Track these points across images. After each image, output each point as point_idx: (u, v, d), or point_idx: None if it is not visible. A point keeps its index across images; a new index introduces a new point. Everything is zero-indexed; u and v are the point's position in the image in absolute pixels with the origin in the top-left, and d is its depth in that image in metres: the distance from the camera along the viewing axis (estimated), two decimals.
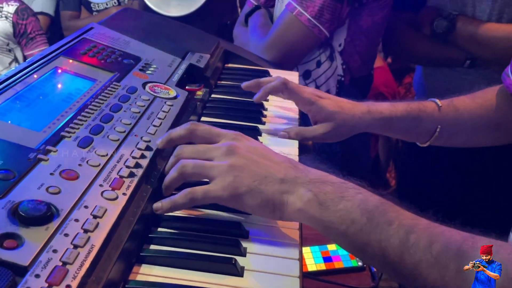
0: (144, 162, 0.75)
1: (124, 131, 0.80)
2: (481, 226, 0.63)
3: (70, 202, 0.62)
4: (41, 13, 3.08)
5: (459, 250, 0.58)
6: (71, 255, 0.55)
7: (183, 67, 1.11)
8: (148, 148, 0.78)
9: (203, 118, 1.04)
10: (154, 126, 0.85)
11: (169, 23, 1.46)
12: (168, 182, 0.74)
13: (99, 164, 0.70)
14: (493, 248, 0.56)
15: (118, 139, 0.77)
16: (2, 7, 2.69)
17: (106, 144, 0.75)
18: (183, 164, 0.72)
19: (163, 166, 0.78)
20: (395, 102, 1.05)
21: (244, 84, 1.06)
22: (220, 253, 0.67)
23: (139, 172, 0.73)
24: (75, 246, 0.56)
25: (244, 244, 0.69)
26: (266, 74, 1.29)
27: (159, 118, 0.87)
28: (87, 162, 0.70)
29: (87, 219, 0.61)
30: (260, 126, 1.03)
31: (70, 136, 0.74)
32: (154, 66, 1.06)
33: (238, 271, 0.64)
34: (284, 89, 1.02)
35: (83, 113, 0.80)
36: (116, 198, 0.66)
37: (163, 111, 0.90)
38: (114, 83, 0.93)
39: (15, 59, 2.71)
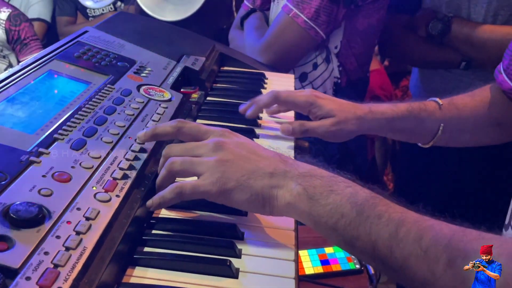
0: (138, 164, 0.74)
1: (118, 133, 0.79)
2: (477, 226, 0.63)
3: (62, 204, 0.61)
4: (38, 19, 3.08)
5: (449, 243, 0.58)
6: (62, 257, 0.54)
7: (178, 70, 1.11)
8: (142, 150, 0.78)
9: (198, 121, 1.03)
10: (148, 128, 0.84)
11: (164, 26, 1.46)
12: (159, 181, 0.73)
13: (92, 166, 0.70)
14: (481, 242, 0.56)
15: (112, 141, 0.77)
16: None
17: (100, 146, 0.75)
18: (171, 162, 0.71)
19: (157, 168, 0.77)
20: (396, 102, 1.05)
21: (241, 108, 1.04)
22: (215, 255, 0.66)
23: (133, 174, 0.72)
24: (67, 248, 0.56)
25: (239, 245, 0.69)
26: (262, 76, 1.29)
27: (154, 121, 0.87)
28: (80, 164, 0.69)
29: (79, 221, 0.60)
30: (256, 129, 1.02)
31: (63, 139, 0.74)
32: (149, 69, 1.06)
33: (233, 273, 0.64)
34: (276, 102, 1.02)
35: (76, 116, 0.80)
36: (109, 200, 0.65)
37: (158, 114, 0.89)
38: (108, 85, 0.92)
39: (10, 65, 2.70)
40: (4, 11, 2.70)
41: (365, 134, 1.75)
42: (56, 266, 0.53)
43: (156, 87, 0.99)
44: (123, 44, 1.13)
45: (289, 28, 1.42)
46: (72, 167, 0.68)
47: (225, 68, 1.35)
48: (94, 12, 3.00)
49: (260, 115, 1.09)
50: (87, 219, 0.61)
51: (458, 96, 1.05)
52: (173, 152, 0.73)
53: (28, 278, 0.51)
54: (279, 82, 1.29)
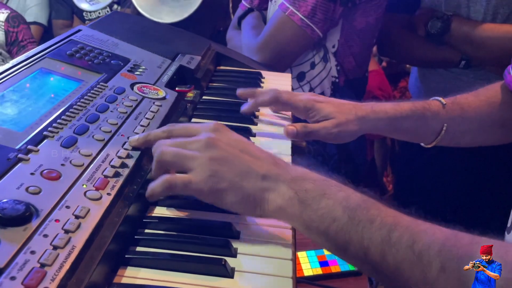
0: (131, 162, 0.72)
1: (110, 131, 0.77)
2: (478, 228, 0.61)
3: (51, 202, 0.59)
4: (34, 22, 3.06)
5: (442, 248, 0.56)
6: (50, 256, 0.52)
7: (173, 68, 1.09)
8: (135, 148, 0.76)
9: (193, 119, 1.01)
10: (142, 126, 0.82)
11: (159, 26, 1.45)
12: (152, 173, 0.72)
13: (83, 164, 0.68)
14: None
15: (104, 139, 0.75)
16: None
17: (91, 144, 0.73)
18: (163, 151, 0.69)
19: (150, 166, 0.75)
20: (398, 102, 1.03)
21: (240, 91, 1.03)
22: (210, 254, 0.64)
23: (125, 172, 0.70)
24: (55, 247, 0.54)
25: (235, 244, 0.66)
26: (259, 76, 1.27)
27: (147, 118, 0.85)
28: (70, 162, 0.67)
29: (68, 219, 0.58)
30: (252, 127, 1.00)
31: (53, 136, 0.71)
32: (143, 67, 1.04)
33: (228, 273, 0.61)
34: (275, 103, 1.01)
35: (67, 113, 0.78)
36: (100, 198, 0.63)
37: (152, 111, 0.87)
38: (101, 83, 0.90)
39: None
40: (3, 12, 2.68)
41: (367, 134, 1.74)
42: (42, 265, 0.51)
43: (150, 85, 0.97)
44: (117, 43, 1.11)
45: (285, 26, 1.40)
46: (62, 164, 0.66)
47: (222, 67, 1.33)
48: (90, 15, 2.98)
49: (257, 113, 1.07)
50: (77, 217, 0.59)
51: (462, 96, 1.03)
52: (164, 145, 0.71)
53: (13, 278, 0.49)
54: (276, 81, 1.27)
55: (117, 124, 0.80)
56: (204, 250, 0.65)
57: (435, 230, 0.59)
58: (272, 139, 0.98)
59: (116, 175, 0.68)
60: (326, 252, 1.17)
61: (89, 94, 0.85)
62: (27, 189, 0.59)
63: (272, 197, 0.65)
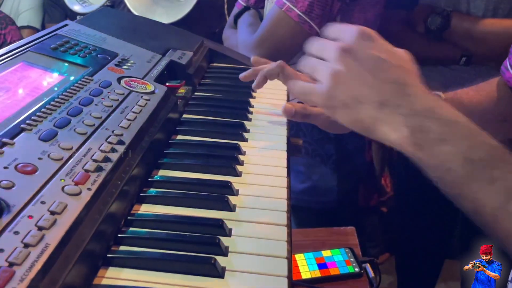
0: (115, 156, 0.68)
1: (94, 125, 0.73)
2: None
3: (24, 198, 0.54)
4: (28, 26, 3.01)
5: None
6: (19, 255, 0.47)
7: (163, 63, 1.04)
8: (120, 142, 0.71)
9: (185, 115, 0.97)
10: (128, 120, 0.77)
11: (151, 22, 1.40)
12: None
13: (62, 158, 0.63)
14: None
15: (86, 133, 0.70)
16: None
17: (72, 138, 0.68)
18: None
19: (136, 161, 0.71)
20: None
21: (242, 75, 0.98)
22: (199, 252, 0.59)
23: (108, 166, 0.65)
24: (26, 245, 0.49)
25: (226, 242, 0.62)
26: None
27: (134, 112, 0.80)
28: (48, 155, 0.63)
29: (42, 215, 0.53)
30: (246, 123, 0.96)
31: (31, 129, 0.67)
32: (132, 61, 0.99)
33: (218, 272, 0.57)
34: (280, 73, 0.94)
35: (48, 106, 0.73)
36: (79, 193, 0.58)
37: (139, 105, 0.83)
38: (86, 77, 0.86)
39: None
40: None
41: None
42: (11, 264, 0.46)
43: (138, 79, 0.92)
44: (105, 38, 1.07)
45: (282, 22, 1.36)
46: (39, 158, 0.62)
47: (215, 64, 1.29)
48: None
49: (251, 109, 1.03)
50: (52, 213, 0.54)
51: (463, 90, 0.99)
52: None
53: None
54: None
55: (101, 117, 0.75)
56: (193, 249, 0.60)
57: None
58: (267, 135, 0.94)
59: (98, 169, 0.64)
60: (324, 254, 1.12)
61: (72, 88, 0.81)
62: None
63: (385, 130, 0.60)
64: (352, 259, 1.10)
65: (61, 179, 0.59)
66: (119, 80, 0.89)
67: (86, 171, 0.62)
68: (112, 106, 0.79)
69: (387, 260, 2.41)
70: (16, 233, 0.50)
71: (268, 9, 1.54)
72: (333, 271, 1.07)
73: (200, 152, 0.84)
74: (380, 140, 0.61)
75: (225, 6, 2.43)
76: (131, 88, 0.87)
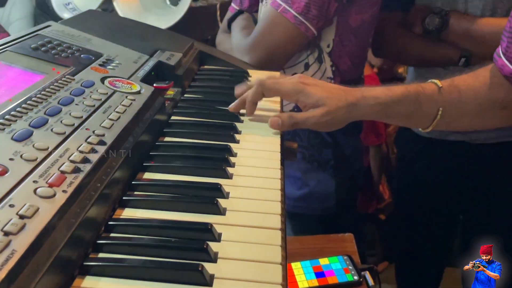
0: (95, 157, 0.63)
1: (73, 124, 0.68)
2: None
3: None
4: None
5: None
6: None
7: (151, 64, 1.00)
8: (101, 143, 0.66)
9: (173, 117, 0.92)
10: (111, 119, 0.72)
11: (139, 24, 1.35)
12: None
13: (36, 159, 0.58)
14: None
15: (65, 133, 0.65)
16: None
17: (49, 138, 0.63)
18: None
19: (119, 163, 0.66)
20: (391, 85, 0.95)
21: (230, 106, 0.96)
22: (185, 259, 0.54)
23: (87, 167, 0.60)
24: None
25: (215, 248, 0.57)
26: (245, 74, 1.18)
27: (117, 112, 0.75)
28: (21, 156, 0.58)
29: (10, 219, 0.48)
30: (238, 124, 0.91)
31: (4, 129, 0.62)
32: (117, 62, 0.94)
33: (205, 280, 0.52)
34: (263, 90, 0.94)
35: (24, 105, 0.68)
36: (54, 195, 0.53)
37: (123, 105, 0.78)
38: (67, 76, 0.81)
39: None
40: None
41: (362, 140, 1.65)
42: None
43: (123, 79, 0.87)
44: (89, 39, 1.02)
45: (278, 24, 1.32)
46: (11, 159, 0.57)
47: (206, 66, 1.25)
48: None
49: (242, 111, 0.98)
50: (21, 217, 0.49)
51: (460, 77, 0.96)
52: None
53: None
54: None
55: (81, 117, 0.70)
56: (178, 255, 0.55)
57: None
58: (260, 136, 0.89)
59: (76, 171, 0.59)
60: (321, 262, 1.07)
61: (51, 87, 0.76)
62: None
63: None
64: (351, 267, 1.06)
65: (34, 181, 0.55)
66: (102, 80, 0.84)
67: (62, 172, 0.57)
68: (94, 105, 0.75)
69: (386, 269, 2.37)
70: None
71: (263, 12, 1.50)
72: (331, 280, 1.03)
73: (188, 154, 0.80)
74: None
75: (218, 13, 2.40)
76: (115, 88, 0.83)
